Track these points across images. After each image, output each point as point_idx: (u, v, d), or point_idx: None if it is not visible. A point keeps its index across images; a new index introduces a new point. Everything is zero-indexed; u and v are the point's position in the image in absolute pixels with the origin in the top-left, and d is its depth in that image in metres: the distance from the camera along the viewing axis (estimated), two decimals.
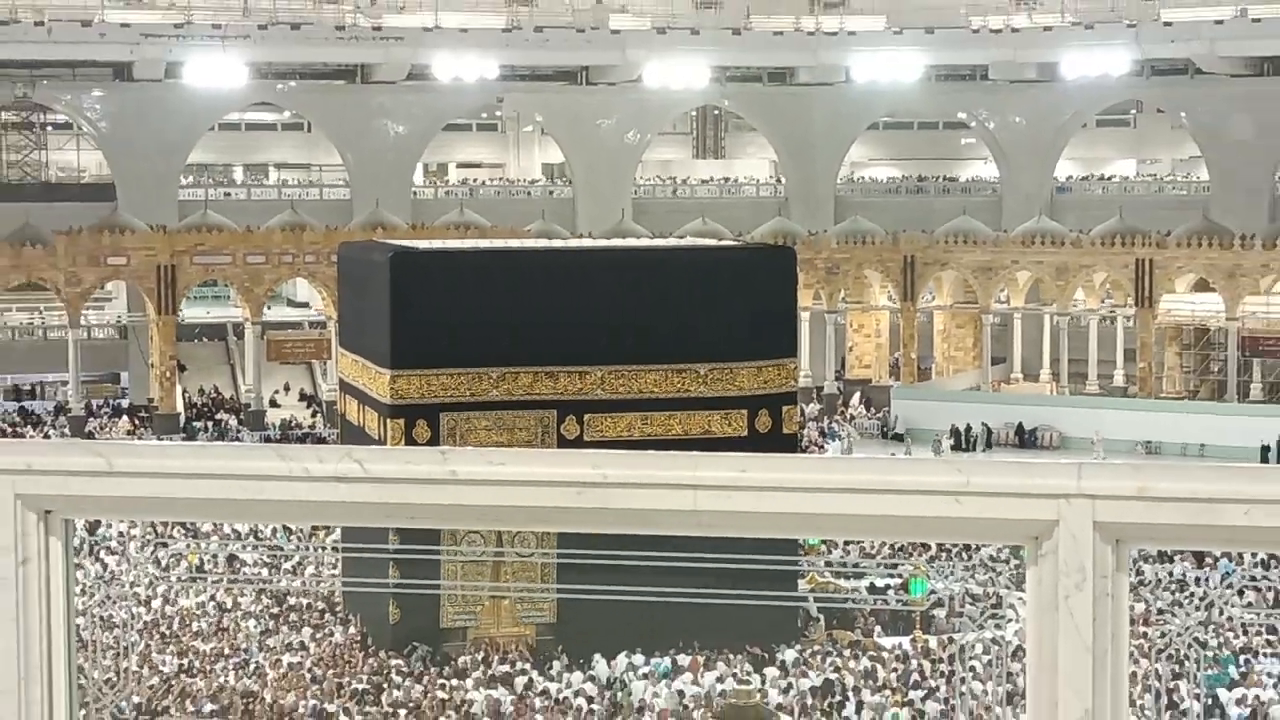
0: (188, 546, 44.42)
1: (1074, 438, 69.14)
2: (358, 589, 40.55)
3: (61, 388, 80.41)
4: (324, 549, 45.59)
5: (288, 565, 46.73)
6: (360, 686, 36.26)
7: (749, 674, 36.18)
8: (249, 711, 33.37)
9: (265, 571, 45.18)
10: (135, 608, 39.63)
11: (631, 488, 3.52)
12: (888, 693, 34.91)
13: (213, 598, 42.89)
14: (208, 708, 33.65)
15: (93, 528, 44.21)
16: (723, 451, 3.61)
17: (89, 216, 79.22)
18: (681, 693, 35.62)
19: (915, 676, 36.03)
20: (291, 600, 43.81)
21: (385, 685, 36.52)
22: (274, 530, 44.90)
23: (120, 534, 45.11)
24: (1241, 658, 36.27)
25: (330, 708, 34.31)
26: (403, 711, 34.43)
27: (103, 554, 44.55)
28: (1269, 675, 35.53)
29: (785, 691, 35.76)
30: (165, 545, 43.84)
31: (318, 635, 41.24)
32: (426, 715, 34.17)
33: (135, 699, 33.15)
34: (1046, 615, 3.42)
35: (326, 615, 43.19)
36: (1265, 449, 64.10)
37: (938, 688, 34.79)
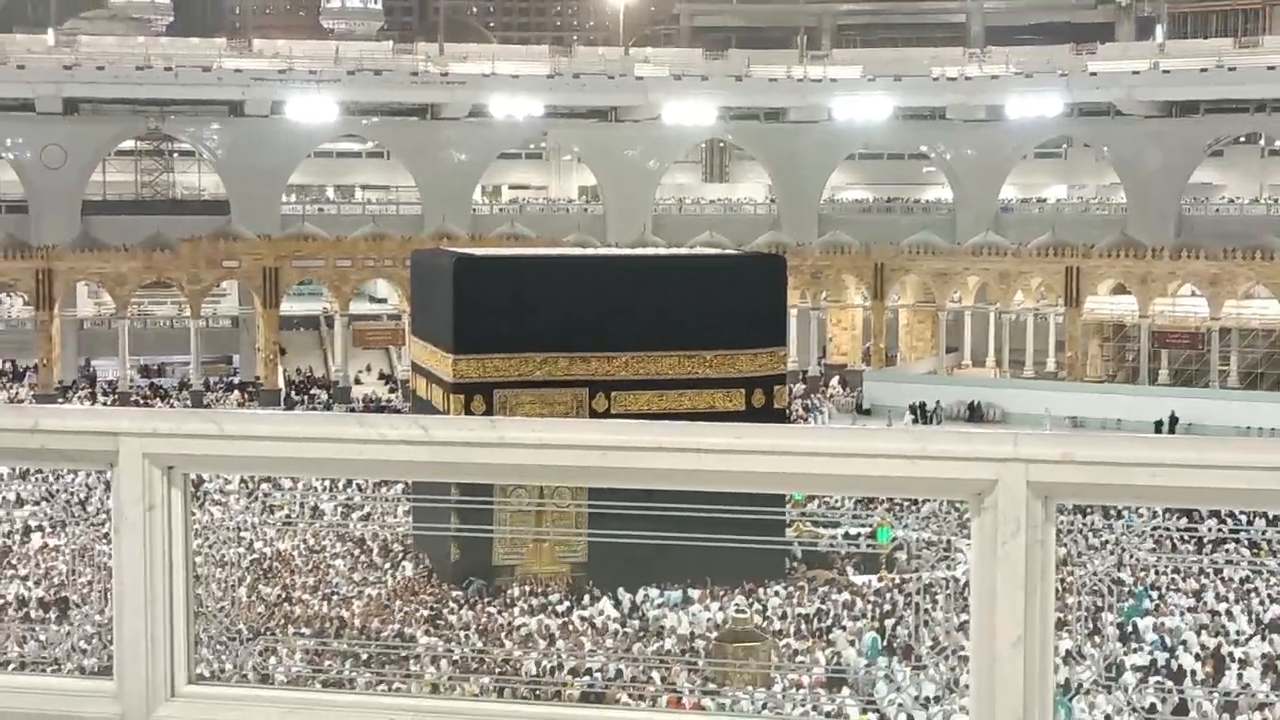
0: (281, 497, 44.20)
1: (1014, 413, 68.99)
2: (425, 532, 40.58)
3: (182, 367, 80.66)
4: (387, 500, 45.16)
5: (358, 515, 46.31)
6: (426, 613, 36.20)
7: (748, 604, 36.17)
8: (340, 634, 33.34)
9: (339, 518, 44.88)
10: (237, 548, 39.39)
11: (649, 451, 3.52)
12: (865, 620, 34.84)
13: (304, 541, 42.66)
14: (306, 630, 33.56)
15: (197, 483, 43.93)
16: (724, 422, 3.61)
17: (207, 227, 79.46)
18: (710, 620, 35.46)
19: (886, 607, 35.95)
20: (369, 543, 43.65)
21: (447, 612, 36.44)
22: (344, 484, 44.65)
23: (219, 488, 44.86)
24: (1154, 593, 36.24)
25: (410, 630, 34.20)
26: (469, 633, 34.24)
27: (208, 504, 44.11)
28: (1177, 606, 35.54)
29: (783, 618, 35.73)
30: (257, 498, 43.55)
31: (393, 570, 41.24)
32: (491, 636, 34.04)
33: (242, 624, 33.08)
34: (987, 558, 3.42)
35: (401, 556, 43.10)
36: (1158, 424, 63.78)
37: (905, 616, 34.70)
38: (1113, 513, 40.46)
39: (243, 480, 43.87)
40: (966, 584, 3.57)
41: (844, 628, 34.17)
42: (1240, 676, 29.48)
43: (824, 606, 36.69)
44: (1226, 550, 37.24)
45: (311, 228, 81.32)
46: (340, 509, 44.58)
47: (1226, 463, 3.29)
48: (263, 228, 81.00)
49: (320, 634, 33.14)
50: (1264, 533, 33.94)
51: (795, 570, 41.47)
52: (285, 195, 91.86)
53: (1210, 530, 35.90)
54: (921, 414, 69.78)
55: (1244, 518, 35.70)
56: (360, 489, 43.51)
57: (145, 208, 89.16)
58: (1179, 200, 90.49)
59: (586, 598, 38.52)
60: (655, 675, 29.18)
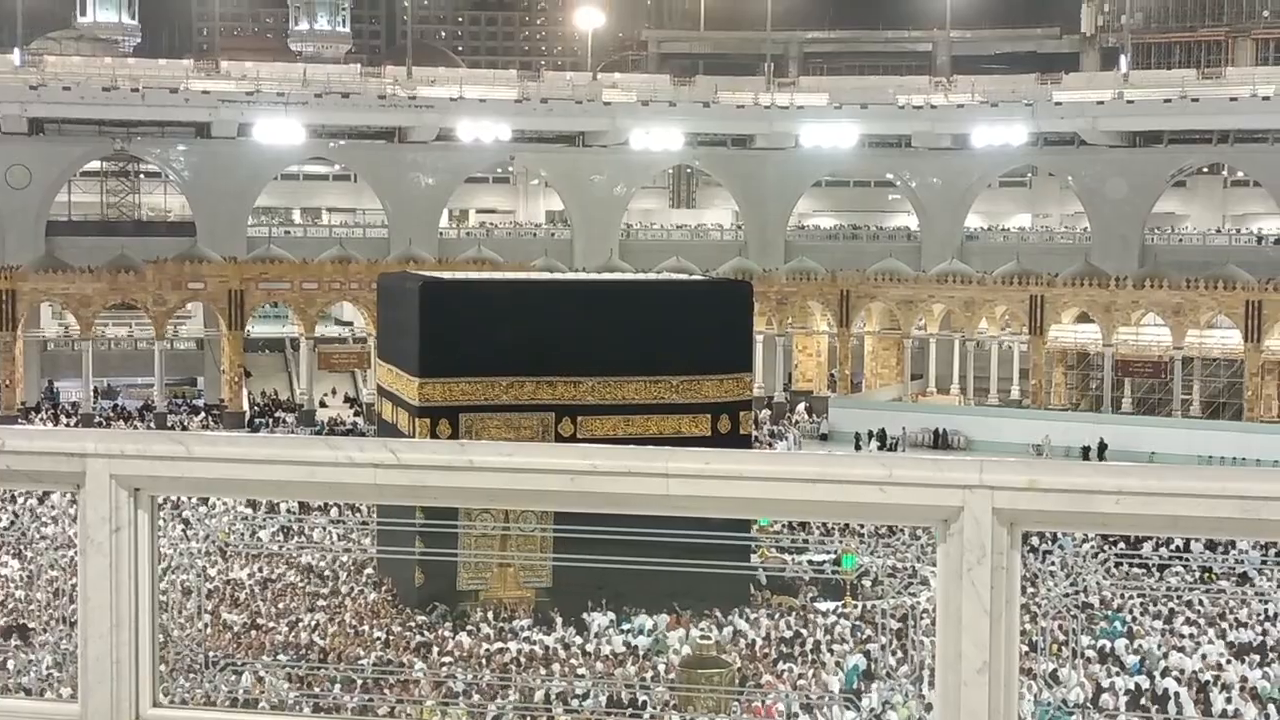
0: (219, 525, 43.14)
1: (978, 440, 69.14)
2: (389, 556, 40.33)
3: (143, 389, 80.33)
4: (324, 526, 43.13)
5: (297, 540, 44.37)
6: (382, 635, 35.87)
7: (713, 629, 36.04)
8: (323, 661, 32.68)
9: (277, 546, 43.29)
10: (193, 577, 38.58)
11: (615, 476, 3.53)
12: (848, 645, 34.71)
13: (259, 569, 41.80)
14: (281, 658, 32.95)
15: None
16: (690, 448, 3.61)
17: (173, 249, 79.23)
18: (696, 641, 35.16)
19: (867, 632, 35.81)
20: (325, 570, 42.89)
21: (427, 639, 36.07)
22: (271, 507, 43.61)
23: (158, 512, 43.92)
24: (1126, 614, 36.40)
25: (390, 656, 33.72)
26: (449, 660, 33.72)
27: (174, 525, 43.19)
28: (1152, 628, 35.72)
29: (766, 639, 35.65)
30: (189, 525, 42.48)
31: (353, 595, 40.86)
32: (477, 663, 33.55)
33: (211, 652, 32.40)
34: (953, 584, 3.43)
35: (362, 579, 42.69)
36: (1085, 450, 64.39)
37: (890, 641, 34.45)
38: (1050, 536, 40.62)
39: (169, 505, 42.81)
40: (932, 610, 3.59)
41: (832, 651, 34.10)
42: (1229, 700, 29.59)
43: (803, 631, 36.60)
44: (1177, 575, 37.38)
45: (277, 250, 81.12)
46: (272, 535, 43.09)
47: (1189, 491, 3.32)
48: (228, 250, 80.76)
49: (287, 659, 32.77)
50: (1207, 559, 34.15)
51: (765, 595, 41.42)
52: (251, 217, 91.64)
53: (1158, 555, 36.07)
54: (880, 441, 69.78)
55: (1180, 543, 35.78)
56: (290, 512, 42.57)
57: (110, 229, 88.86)
58: (1142, 230, 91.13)
59: (558, 621, 38.28)
60: (623, 698, 29.08)
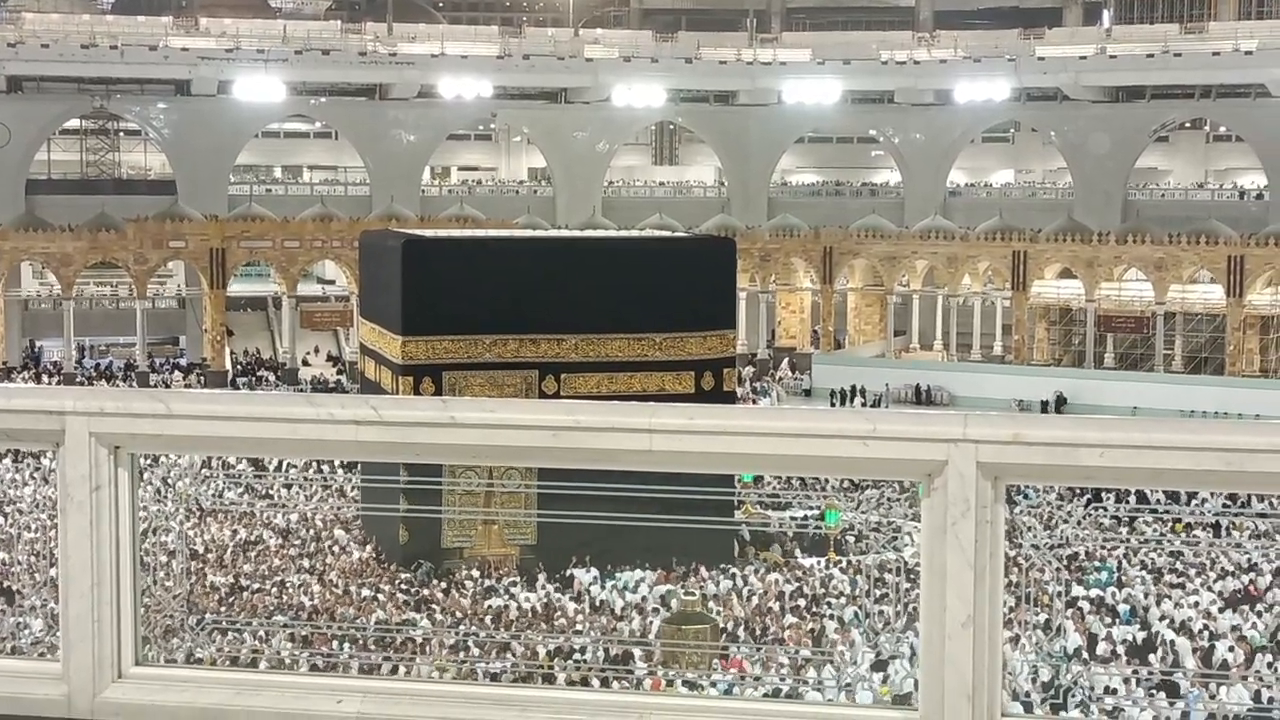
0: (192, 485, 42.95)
1: (961, 396, 69.27)
2: (373, 514, 40.31)
3: (124, 349, 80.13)
4: (297, 482, 42.32)
5: (268, 498, 43.74)
6: (368, 593, 35.84)
7: (698, 586, 36.06)
8: (312, 620, 32.25)
9: (244, 503, 42.53)
10: (173, 538, 38.32)
11: (599, 431, 3.52)
12: (844, 599, 34.79)
13: (235, 531, 41.50)
14: (279, 617, 32.54)
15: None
16: (673, 404, 3.59)
17: (154, 207, 78.90)
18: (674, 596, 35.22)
19: (864, 586, 35.74)
20: (308, 530, 42.67)
21: (399, 594, 36.08)
22: (227, 463, 43.01)
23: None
24: (1114, 563, 36.65)
25: (382, 614, 33.58)
26: (445, 618, 33.58)
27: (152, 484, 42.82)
28: (1139, 578, 35.98)
29: (763, 595, 35.74)
30: (157, 487, 42.11)
31: (338, 553, 40.81)
32: (476, 620, 33.43)
33: (197, 614, 32.15)
34: (937, 538, 3.43)
35: (345, 537, 42.65)
36: (1044, 404, 64.87)
37: (885, 594, 34.44)
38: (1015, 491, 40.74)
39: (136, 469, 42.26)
40: (916, 565, 3.59)
41: (829, 603, 34.20)
42: (1233, 650, 29.77)
43: (798, 585, 36.68)
44: (1150, 526, 37.65)
45: (259, 208, 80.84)
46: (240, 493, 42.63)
47: (1173, 444, 3.32)
48: (210, 208, 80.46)
49: (269, 616, 32.61)
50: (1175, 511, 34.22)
51: (749, 552, 41.50)
52: (232, 175, 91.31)
53: (1120, 507, 36.18)
54: (861, 398, 69.77)
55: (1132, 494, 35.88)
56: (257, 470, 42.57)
57: (91, 187, 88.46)
58: (1125, 185, 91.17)
59: (542, 578, 38.30)
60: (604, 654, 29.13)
